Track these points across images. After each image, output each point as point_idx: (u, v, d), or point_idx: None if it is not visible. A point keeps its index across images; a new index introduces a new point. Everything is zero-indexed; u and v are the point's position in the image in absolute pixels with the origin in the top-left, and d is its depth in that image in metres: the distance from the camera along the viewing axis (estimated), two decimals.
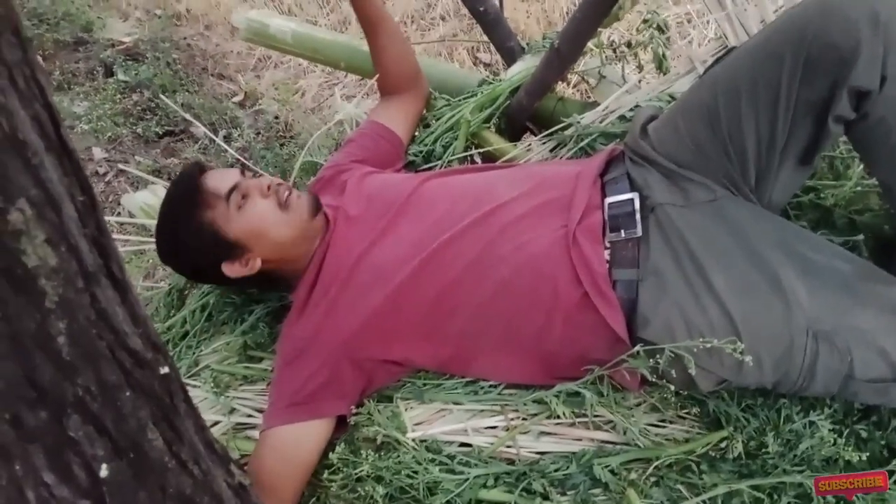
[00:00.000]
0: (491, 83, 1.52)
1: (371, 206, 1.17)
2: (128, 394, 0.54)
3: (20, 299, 0.46)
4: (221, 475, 0.69)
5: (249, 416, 1.17)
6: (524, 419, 1.07)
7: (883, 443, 1.00)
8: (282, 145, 2.60)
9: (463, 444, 1.06)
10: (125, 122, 2.72)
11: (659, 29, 1.38)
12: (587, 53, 1.45)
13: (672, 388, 0.98)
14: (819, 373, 0.91)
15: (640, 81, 1.41)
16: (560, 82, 1.51)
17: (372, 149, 1.35)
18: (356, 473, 1.01)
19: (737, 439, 0.99)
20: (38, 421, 0.49)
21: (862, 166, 1.11)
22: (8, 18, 0.46)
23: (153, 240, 1.17)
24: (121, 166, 2.47)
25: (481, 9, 1.59)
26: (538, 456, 1.04)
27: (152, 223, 1.27)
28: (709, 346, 0.87)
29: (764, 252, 0.95)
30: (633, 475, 0.99)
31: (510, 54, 1.62)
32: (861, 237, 1.07)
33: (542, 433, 1.06)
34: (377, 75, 1.43)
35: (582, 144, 1.34)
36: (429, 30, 3.04)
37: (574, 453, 1.02)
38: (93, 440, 0.52)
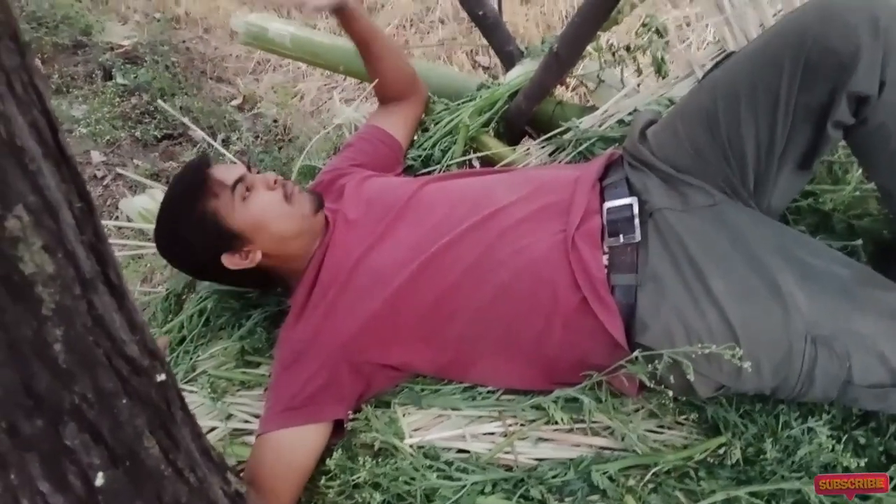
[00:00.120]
0: (490, 87, 1.52)
1: (370, 209, 1.17)
2: (124, 401, 0.54)
3: (17, 306, 0.46)
4: (218, 483, 0.68)
5: (246, 421, 1.17)
6: (522, 425, 1.06)
7: (881, 449, 0.99)
8: (280, 149, 2.60)
9: (461, 451, 1.06)
10: (124, 126, 2.71)
11: (658, 33, 1.38)
12: (586, 57, 1.46)
13: (670, 393, 0.98)
14: (818, 378, 0.91)
15: (638, 85, 1.41)
16: (559, 86, 1.51)
17: (371, 153, 1.35)
18: (353, 480, 1.00)
19: (735, 445, 0.99)
20: (34, 429, 0.48)
21: (860, 171, 1.11)
22: (6, 23, 0.46)
23: (151, 244, 1.17)
24: (119, 170, 2.46)
25: (480, 13, 1.59)
26: (536, 462, 1.04)
27: (150, 227, 1.27)
28: (707, 351, 0.87)
29: (763, 257, 0.94)
30: (632, 481, 0.99)
31: (509, 58, 1.62)
32: (860, 242, 1.07)
33: (540, 439, 1.06)
34: (375, 82, 1.43)
35: (581, 149, 1.34)
36: (428, 33, 3.04)
37: (572, 459, 1.02)
38: (89, 448, 0.51)
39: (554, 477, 0.99)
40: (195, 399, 1.18)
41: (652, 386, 0.93)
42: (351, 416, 1.08)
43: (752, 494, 0.96)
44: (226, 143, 2.59)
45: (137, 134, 2.68)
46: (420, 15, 3.10)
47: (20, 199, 0.45)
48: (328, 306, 1.09)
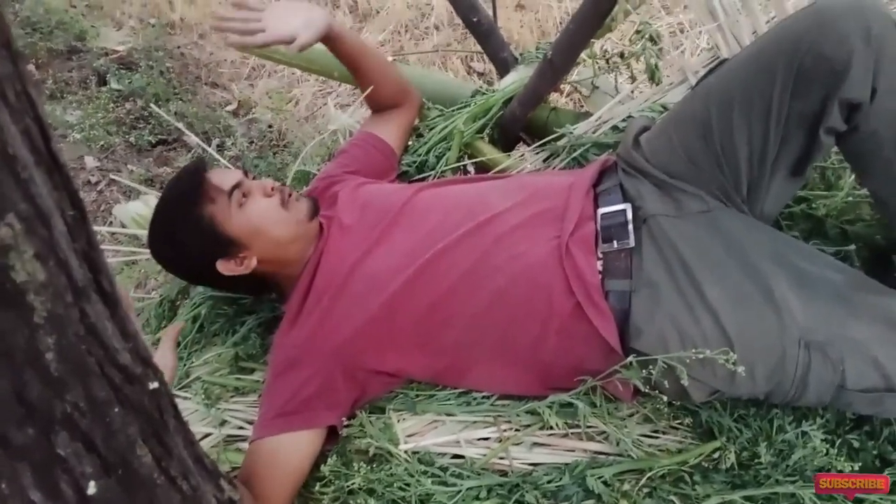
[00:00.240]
0: (484, 93, 1.53)
1: (365, 215, 1.17)
2: (117, 410, 0.53)
3: (8, 315, 0.46)
4: (211, 490, 0.68)
5: (240, 427, 1.16)
6: (517, 430, 1.06)
7: (875, 453, 1.00)
8: (275, 154, 2.60)
9: (455, 456, 1.06)
10: (118, 131, 2.71)
11: (651, 39, 1.39)
12: (580, 64, 1.46)
13: (665, 398, 0.98)
14: (811, 383, 0.92)
15: (632, 92, 1.42)
16: (553, 93, 1.51)
17: (364, 160, 1.35)
18: (348, 486, 1.00)
19: (729, 450, 0.99)
20: (25, 438, 0.48)
21: (853, 177, 1.11)
22: None
23: (145, 250, 1.16)
24: (113, 176, 2.46)
25: (475, 19, 1.60)
26: (531, 467, 1.04)
27: (144, 233, 1.27)
28: (701, 356, 0.87)
29: (757, 263, 0.95)
30: (626, 486, 0.99)
31: (503, 65, 1.63)
32: (853, 247, 1.08)
33: (535, 444, 1.06)
34: (367, 92, 1.42)
35: (575, 155, 1.34)
36: (422, 39, 3.05)
37: (567, 464, 1.02)
38: (81, 457, 0.51)
39: (549, 482, 0.99)
40: (189, 405, 1.18)
41: (646, 391, 0.94)
42: (345, 423, 1.07)
43: (747, 498, 0.96)
44: (220, 148, 2.59)
45: (132, 139, 2.68)
46: (415, 21, 3.11)
47: (12, 207, 0.45)
48: (323, 312, 1.09)
